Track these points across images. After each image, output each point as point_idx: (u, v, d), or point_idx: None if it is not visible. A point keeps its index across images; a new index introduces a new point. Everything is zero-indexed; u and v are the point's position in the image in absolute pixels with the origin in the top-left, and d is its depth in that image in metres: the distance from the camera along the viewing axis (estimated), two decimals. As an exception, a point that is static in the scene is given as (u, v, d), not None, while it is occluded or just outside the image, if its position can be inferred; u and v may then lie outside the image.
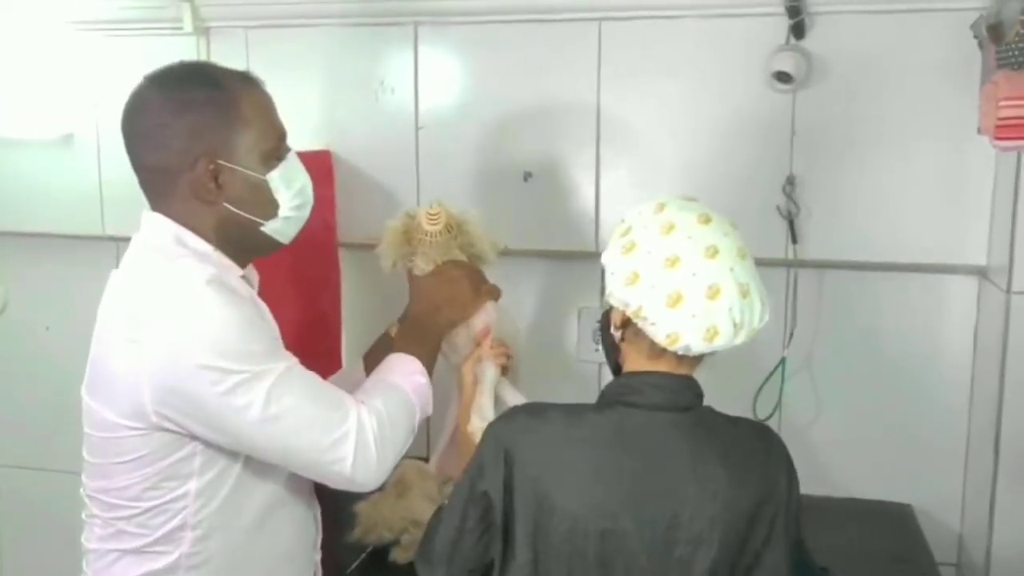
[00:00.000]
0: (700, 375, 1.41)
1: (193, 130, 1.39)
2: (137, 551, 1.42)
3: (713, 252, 1.33)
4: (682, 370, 1.39)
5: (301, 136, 2.39)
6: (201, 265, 1.37)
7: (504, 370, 1.79)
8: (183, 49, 2.47)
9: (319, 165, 2.41)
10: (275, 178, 1.45)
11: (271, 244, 1.50)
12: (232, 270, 1.45)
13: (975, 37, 1.97)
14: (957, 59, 2.07)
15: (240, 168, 1.41)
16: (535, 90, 2.34)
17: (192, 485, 1.40)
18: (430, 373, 1.62)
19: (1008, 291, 2.00)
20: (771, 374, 2.28)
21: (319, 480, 1.48)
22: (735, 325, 1.33)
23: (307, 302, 2.30)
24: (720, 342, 1.33)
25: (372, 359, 1.77)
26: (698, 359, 1.39)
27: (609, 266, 1.40)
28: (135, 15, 2.50)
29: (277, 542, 1.52)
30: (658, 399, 1.37)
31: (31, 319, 2.76)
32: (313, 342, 2.22)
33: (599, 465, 1.34)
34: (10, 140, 2.66)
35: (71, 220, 2.63)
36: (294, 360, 1.42)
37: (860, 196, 2.20)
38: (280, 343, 1.43)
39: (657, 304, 1.32)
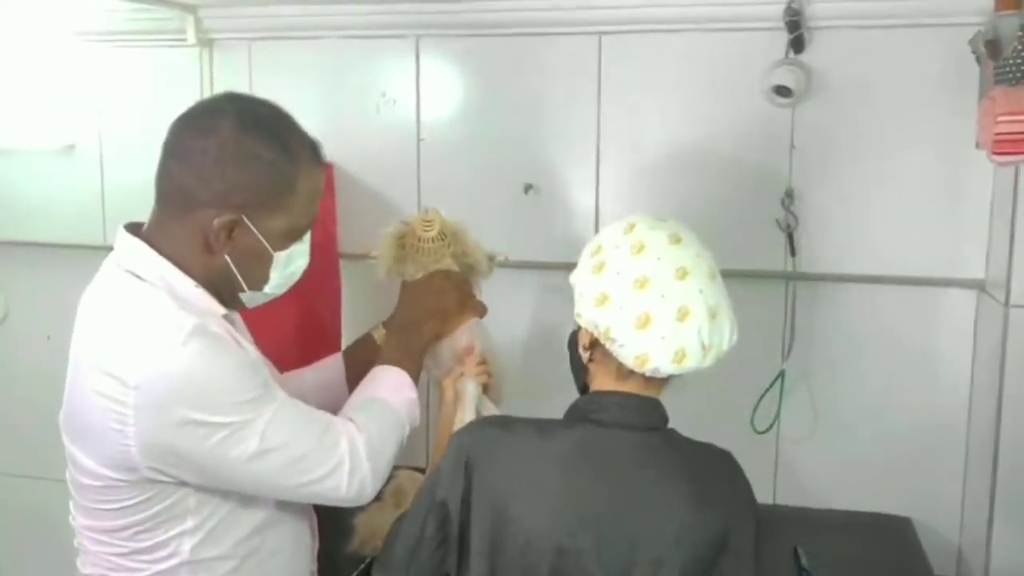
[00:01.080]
0: (695, 386, 1.40)
1: (244, 184, 1.33)
2: None
3: (683, 273, 1.31)
4: (649, 392, 1.38)
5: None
6: (181, 313, 1.31)
7: (485, 388, 1.76)
8: (186, 61, 2.49)
9: (320, 176, 2.42)
10: (281, 257, 1.41)
11: (236, 304, 1.45)
12: (213, 311, 1.38)
13: (973, 53, 1.98)
14: (955, 74, 2.08)
15: (259, 235, 1.36)
16: (536, 103, 2.35)
17: (188, 524, 1.38)
18: (416, 382, 1.61)
19: (1006, 304, 2.00)
20: (769, 387, 2.28)
21: (314, 503, 1.48)
22: (704, 347, 1.31)
23: (307, 312, 2.31)
24: (689, 364, 1.32)
25: (353, 359, 1.78)
26: (665, 381, 1.38)
27: (578, 286, 1.39)
28: (139, 26, 2.51)
29: (274, 558, 1.51)
30: (624, 418, 1.35)
31: (32, 328, 2.76)
32: (313, 352, 2.21)
33: (559, 481, 1.32)
34: (12, 150, 2.68)
35: (72, 230, 2.64)
36: (281, 395, 1.39)
37: (859, 209, 2.21)
38: (268, 380, 1.39)
39: (626, 326, 1.31)
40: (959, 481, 2.25)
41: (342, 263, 2.46)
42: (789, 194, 2.22)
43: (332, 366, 1.82)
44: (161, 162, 1.37)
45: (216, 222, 1.33)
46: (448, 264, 1.75)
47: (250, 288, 1.41)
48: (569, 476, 1.33)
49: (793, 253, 2.23)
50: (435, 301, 1.71)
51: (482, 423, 1.45)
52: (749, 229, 2.25)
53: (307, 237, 1.45)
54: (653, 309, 1.30)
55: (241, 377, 1.33)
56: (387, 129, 2.46)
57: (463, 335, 1.75)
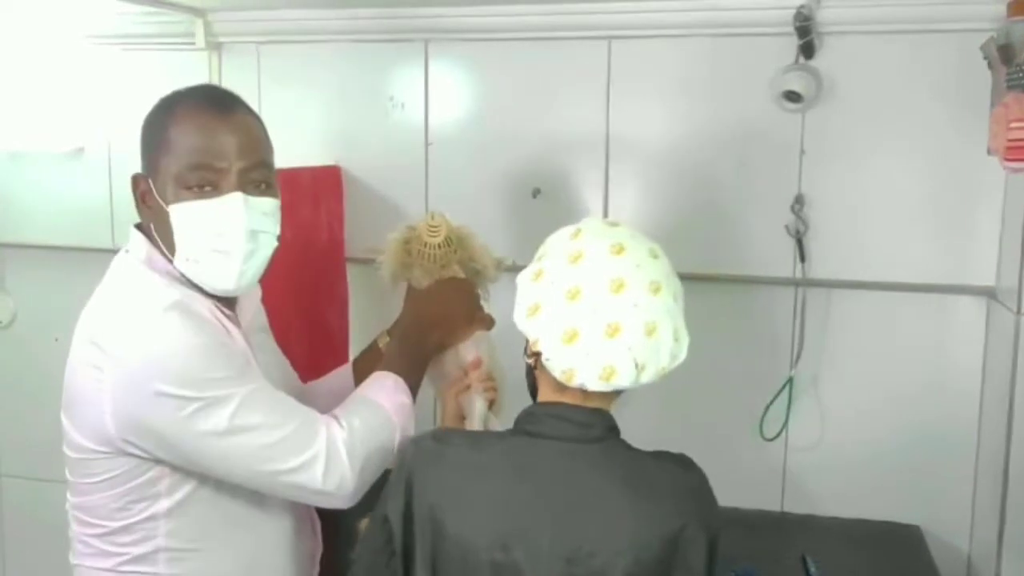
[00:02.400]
0: (704, 393, 1.37)
1: (141, 144, 1.41)
2: (115, 570, 1.41)
3: (618, 286, 1.26)
4: (591, 403, 1.32)
5: (311, 151, 2.44)
6: (166, 290, 1.35)
7: (490, 403, 1.73)
8: (195, 65, 2.50)
9: (328, 180, 2.43)
10: (178, 214, 1.36)
11: (212, 280, 1.41)
12: (198, 295, 1.40)
13: (985, 58, 1.97)
14: (966, 80, 2.08)
15: (154, 191, 1.38)
16: (545, 107, 2.35)
17: (161, 506, 1.38)
18: (415, 392, 1.59)
19: (1018, 312, 1.99)
20: (778, 393, 2.27)
21: (295, 500, 1.46)
22: (637, 365, 1.26)
23: (315, 315, 2.31)
24: (619, 382, 1.26)
25: (360, 367, 1.76)
26: (610, 395, 1.32)
27: (518, 290, 1.35)
28: (148, 30, 2.52)
29: (260, 559, 1.50)
30: (561, 431, 1.31)
31: (40, 330, 2.76)
32: (321, 355, 2.22)
33: (495, 494, 1.29)
34: (22, 152, 2.68)
35: (81, 233, 2.65)
36: (260, 382, 1.39)
37: (869, 215, 2.20)
38: (248, 366, 1.39)
39: (553, 339, 1.27)
40: (969, 489, 2.24)
41: (349, 266, 2.46)
42: (799, 200, 2.21)
43: (342, 376, 1.80)
44: None
45: (134, 189, 1.41)
46: (454, 270, 1.73)
47: (173, 256, 1.39)
48: (504, 490, 1.29)
49: (803, 259, 2.23)
50: (441, 310, 1.68)
51: (421, 437, 1.40)
52: (758, 235, 2.25)
53: (225, 199, 1.36)
54: (582, 323, 1.26)
55: (213, 355, 1.33)
56: (395, 133, 2.46)
57: (470, 348, 1.72)
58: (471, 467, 1.31)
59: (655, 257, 1.32)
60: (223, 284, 1.40)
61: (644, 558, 1.24)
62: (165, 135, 1.37)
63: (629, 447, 1.34)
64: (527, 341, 1.35)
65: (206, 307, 1.39)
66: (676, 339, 1.29)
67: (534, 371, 1.38)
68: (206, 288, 1.41)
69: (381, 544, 1.34)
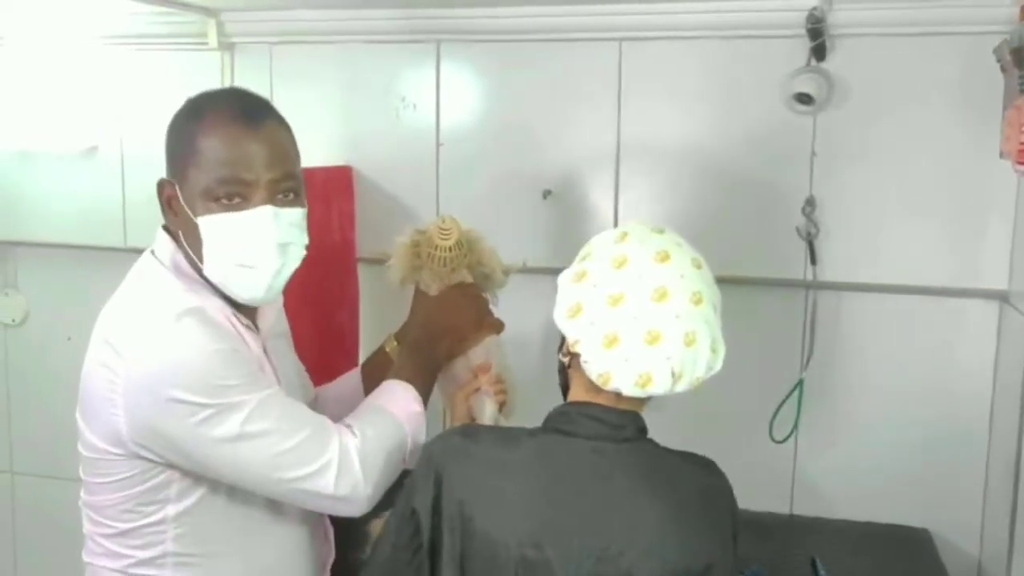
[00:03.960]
0: (714, 395, 1.37)
1: (166, 151, 1.40)
2: (123, 571, 1.41)
3: (661, 295, 1.26)
4: (624, 406, 1.33)
5: (322, 151, 2.44)
6: (185, 295, 1.35)
7: (500, 406, 1.74)
8: (208, 65, 2.51)
9: (340, 180, 2.43)
10: (208, 227, 1.36)
11: (243, 291, 1.41)
12: (219, 300, 1.41)
13: (998, 61, 1.97)
14: (978, 82, 2.07)
15: (182, 202, 1.37)
16: (556, 108, 2.35)
17: (169, 511, 1.38)
18: (426, 400, 1.59)
19: (1029, 316, 1.99)
20: (788, 396, 2.27)
21: (308, 507, 1.46)
22: (673, 374, 1.26)
23: (326, 316, 2.31)
24: (655, 389, 1.27)
25: (368, 372, 1.77)
26: (642, 400, 1.33)
27: (559, 290, 1.35)
28: (161, 30, 2.53)
29: (271, 564, 1.50)
30: (594, 430, 1.31)
31: (52, 329, 2.78)
32: (331, 356, 2.23)
33: (525, 492, 1.29)
34: (35, 152, 2.70)
35: (94, 232, 2.66)
36: (274, 388, 1.39)
37: (880, 218, 2.20)
38: (261, 373, 1.40)
39: (593, 342, 1.28)
40: (979, 493, 2.23)
41: (360, 267, 2.47)
42: (810, 202, 2.21)
43: (351, 381, 1.81)
44: None
45: (160, 196, 1.41)
46: (463, 275, 1.73)
47: (202, 264, 1.39)
48: (535, 488, 1.30)
49: (814, 261, 2.22)
50: (451, 319, 1.68)
51: (450, 433, 1.42)
52: (769, 237, 2.24)
53: (252, 213, 1.36)
54: (622, 329, 1.26)
55: (227, 363, 1.32)
56: (407, 134, 2.46)
57: (479, 352, 1.73)
58: (502, 464, 1.32)
59: (698, 267, 1.32)
60: (251, 294, 1.41)
61: (675, 561, 1.25)
62: (194, 145, 1.36)
63: (657, 446, 1.35)
64: (563, 339, 1.36)
65: (223, 313, 1.39)
66: (713, 350, 1.29)
67: (567, 369, 1.39)
68: (233, 297, 1.41)
69: (407, 539, 1.35)
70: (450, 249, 1.69)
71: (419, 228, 1.76)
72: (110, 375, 1.32)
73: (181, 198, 1.37)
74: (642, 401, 1.34)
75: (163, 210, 1.42)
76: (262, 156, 1.36)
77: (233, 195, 1.35)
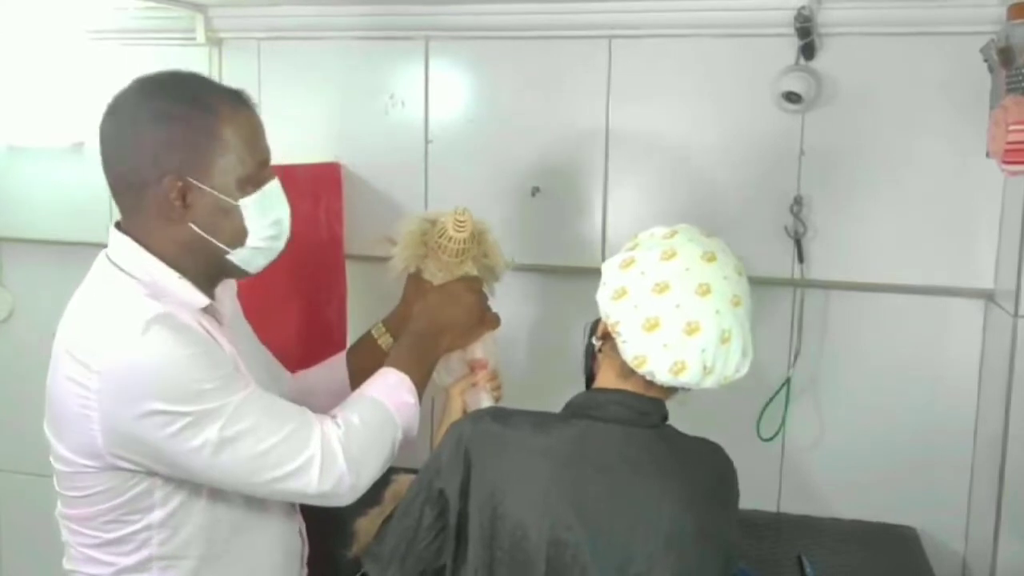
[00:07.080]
0: (701, 392, 1.39)
1: (165, 144, 1.33)
2: None
3: (705, 291, 1.31)
4: (651, 394, 1.38)
5: (311, 148, 2.43)
6: (149, 301, 1.32)
7: (496, 401, 1.74)
8: (195, 60, 2.49)
9: (328, 177, 2.43)
10: (248, 205, 1.38)
11: (237, 272, 1.45)
12: (193, 303, 1.39)
13: (985, 61, 1.98)
14: (966, 82, 2.08)
15: (211, 190, 1.35)
16: (545, 106, 2.35)
17: (155, 516, 1.37)
18: (421, 392, 1.58)
19: (1015, 315, 1.99)
20: (775, 394, 2.28)
21: (293, 502, 1.45)
22: (705, 367, 1.31)
23: (313, 313, 2.30)
24: (686, 379, 1.32)
25: (355, 362, 1.77)
26: (669, 390, 1.38)
27: (604, 275, 1.40)
28: (148, 25, 2.52)
29: (254, 564, 1.50)
30: (624, 415, 1.36)
31: (37, 325, 2.74)
32: (319, 352, 2.21)
33: (556, 475, 1.32)
34: (22, 147, 2.68)
35: (80, 227, 2.64)
36: (251, 387, 1.37)
37: (867, 217, 2.20)
38: (237, 372, 1.38)
39: (634, 324, 1.32)
40: (965, 491, 2.24)
41: (348, 264, 2.46)
42: (798, 201, 2.22)
43: (336, 366, 1.80)
44: (101, 162, 1.39)
45: (163, 192, 1.34)
46: (468, 267, 1.73)
47: (232, 247, 1.40)
48: (566, 472, 1.33)
49: (801, 260, 2.23)
50: (457, 312, 1.68)
51: (480, 415, 1.44)
52: (757, 235, 2.25)
53: (274, 184, 1.43)
54: (664, 316, 1.31)
55: (201, 366, 1.30)
56: (395, 131, 2.46)
57: (477, 347, 1.73)
58: (533, 448, 1.35)
59: (740, 274, 1.38)
60: (266, 262, 1.46)
61: (694, 543, 1.31)
62: (218, 136, 1.35)
63: (677, 431, 1.42)
64: (593, 324, 1.43)
65: (194, 318, 1.36)
66: (744, 354, 1.35)
67: (596, 355, 1.43)
68: (241, 273, 1.45)
69: (431, 519, 1.38)
70: (464, 241, 1.69)
71: (427, 217, 1.76)
72: (81, 391, 1.29)
73: (208, 188, 1.35)
74: (668, 392, 1.39)
75: (166, 207, 1.35)
76: (264, 131, 1.43)
77: (268, 176, 1.42)
